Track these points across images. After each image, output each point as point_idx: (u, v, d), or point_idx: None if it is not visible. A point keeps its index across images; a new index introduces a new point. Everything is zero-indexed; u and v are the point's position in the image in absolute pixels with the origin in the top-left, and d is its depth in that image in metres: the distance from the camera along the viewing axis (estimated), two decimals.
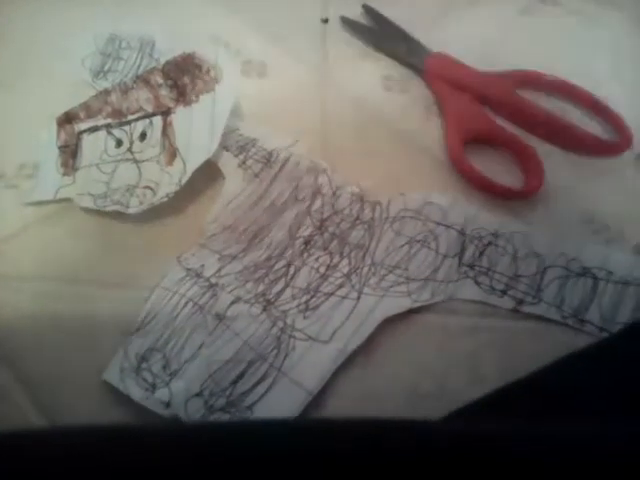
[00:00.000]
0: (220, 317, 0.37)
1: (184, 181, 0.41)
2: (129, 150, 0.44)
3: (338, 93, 0.49)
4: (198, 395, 0.34)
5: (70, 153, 0.45)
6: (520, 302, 0.39)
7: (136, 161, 0.43)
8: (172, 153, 0.42)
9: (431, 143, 0.47)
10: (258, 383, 0.35)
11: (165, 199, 0.41)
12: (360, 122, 0.48)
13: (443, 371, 0.37)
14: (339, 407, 0.36)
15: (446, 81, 0.49)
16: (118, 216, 0.42)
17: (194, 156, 0.42)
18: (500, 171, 0.45)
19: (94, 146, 0.45)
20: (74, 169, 0.44)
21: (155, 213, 0.42)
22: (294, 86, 0.50)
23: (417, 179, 0.45)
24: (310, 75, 0.50)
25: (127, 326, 0.37)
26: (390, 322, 0.38)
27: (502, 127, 0.47)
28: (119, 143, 0.44)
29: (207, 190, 0.43)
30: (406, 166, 0.45)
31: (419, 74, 0.50)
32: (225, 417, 0.33)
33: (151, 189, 0.42)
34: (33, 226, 0.42)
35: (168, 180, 0.41)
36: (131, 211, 0.41)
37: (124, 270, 0.40)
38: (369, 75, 0.51)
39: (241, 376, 0.35)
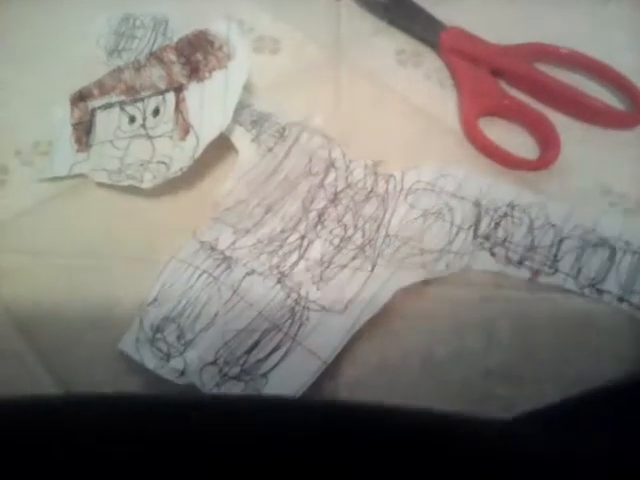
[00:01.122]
0: (234, 288, 0.37)
1: (197, 155, 0.41)
2: (142, 126, 0.44)
3: (351, 69, 0.49)
4: (212, 364, 0.34)
5: (84, 130, 0.45)
6: (537, 273, 0.39)
7: (149, 137, 0.43)
8: (185, 128, 0.42)
9: (445, 117, 0.47)
10: (273, 352, 0.35)
11: (179, 173, 0.41)
12: (374, 97, 0.48)
13: (458, 339, 0.37)
14: (354, 376, 0.36)
15: (461, 55, 0.49)
16: (132, 191, 0.42)
17: (207, 131, 0.42)
18: (516, 143, 0.45)
19: (108, 123, 0.45)
20: (88, 145, 0.44)
21: (169, 188, 0.42)
22: (307, 62, 0.50)
23: (431, 153, 0.44)
24: (323, 51, 0.50)
25: (143, 298, 0.37)
26: (404, 293, 0.38)
27: (518, 100, 0.46)
28: (132, 119, 0.44)
29: (221, 165, 0.43)
30: (420, 140, 0.45)
31: (434, 49, 0.50)
32: (239, 385, 0.33)
33: (165, 164, 0.42)
34: (48, 202, 0.43)
35: (181, 155, 0.41)
36: (145, 185, 0.41)
37: (139, 244, 0.40)
38: (383, 50, 0.50)
39: (255, 345, 0.35)
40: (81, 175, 0.44)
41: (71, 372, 0.36)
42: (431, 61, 0.50)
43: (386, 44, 0.51)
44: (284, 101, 0.46)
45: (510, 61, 0.48)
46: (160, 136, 0.43)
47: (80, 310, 0.38)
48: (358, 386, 0.35)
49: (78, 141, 0.45)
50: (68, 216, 0.42)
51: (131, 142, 0.44)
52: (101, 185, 0.43)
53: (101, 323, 0.37)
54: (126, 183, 0.42)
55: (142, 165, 0.42)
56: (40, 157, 0.45)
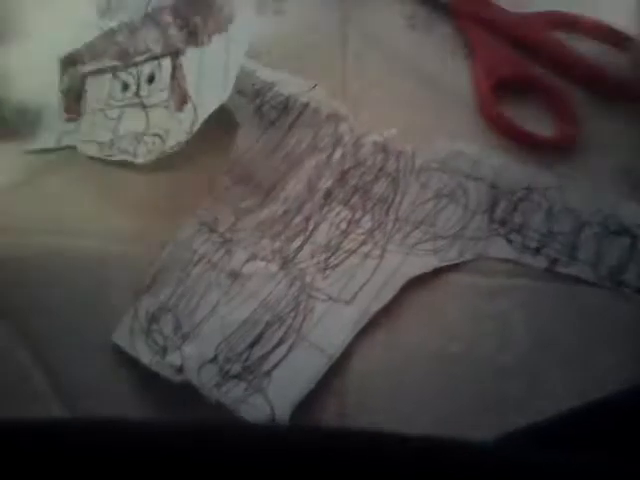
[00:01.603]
0: (235, 275, 0.35)
1: (195, 129, 0.38)
2: (136, 94, 0.41)
3: (359, 32, 0.46)
4: (212, 361, 0.32)
5: (74, 97, 0.42)
6: (554, 261, 0.36)
7: (144, 106, 0.40)
8: (182, 98, 0.39)
9: (459, 87, 0.44)
10: (276, 347, 0.33)
11: (175, 148, 0.38)
12: (382, 64, 0.45)
13: (471, 333, 0.35)
14: (362, 373, 0.34)
15: (475, 21, 0.46)
16: (126, 167, 0.39)
17: (206, 101, 0.39)
18: (532, 119, 0.42)
19: (99, 90, 0.42)
20: (78, 114, 0.41)
21: (165, 163, 0.39)
22: (312, 25, 0.46)
23: (444, 126, 0.42)
24: (329, 13, 0.47)
25: (137, 282, 0.35)
26: (415, 282, 0.35)
27: (535, 71, 0.44)
28: (125, 87, 0.41)
29: (220, 139, 0.40)
30: (432, 112, 0.42)
31: (446, 14, 0.47)
32: (241, 385, 0.31)
33: (160, 137, 0.39)
34: (36, 177, 0.40)
35: (178, 127, 0.39)
36: (139, 160, 0.38)
37: (133, 224, 0.38)
38: (392, 13, 0.47)
39: (258, 339, 0.33)
40: (69, 148, 0.41)
41: (61, 362, 0.34)
42: (444, 26, 0.47)
43: (396, 7, 0.47)
44: (287, 67, 0.42)
45: (527, 29, 0.45)
46: (155, 106, 0.40)
47: (71, 295, 0.35)
48: (366, 384, 0.34)
49: (68, 109, 0.42)
50: (57, 192, 0.39)
51: (124, 112, 0.41)
52: (91, 159, 0.40)
53: (93, 309, 0.35)
54: (118, 158, 0.39)
55: (136, 138, 0.39)
56: (26, 127, 0.42)
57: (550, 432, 0.29)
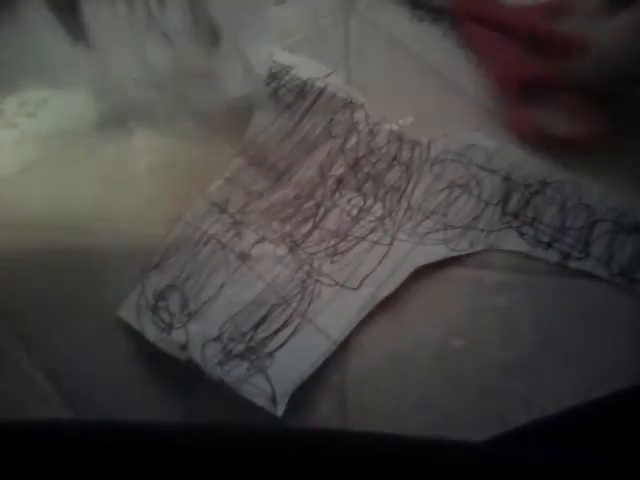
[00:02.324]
0: (243, 257, 0.35)
1: None
2: None
3: (363, 21, 0.45)
4: (216, 339, 0.32)
5: None
6: (566, 256, 0.36)
7: None
8: None
9: (463, 82, 0.43)
10: (280, 329, 0.33)
11: None
12: (388, 55, 0.44)
13: (474, 329, 0.35)
14: (362, 367, 0.34)
15: (476, 20, 0.44)
16: (136, 144, 0.39)
17: None
18: (552, 119, 0.41)
19: None
20: None
21: (178, 143, 0.39)
22: (315, 13, 0.46)
23: (455, 118, 0.41)
24: (332, 2, 0.46)
25: (145, 262, 0.35)
26: (421, 274, 0.35)
27: (550, 69, 0.43)
28: None
29: (234, 120, 0.40)
30: (434, 107, 0.42)
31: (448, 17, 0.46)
32: (244, 364, 0.31)
33: None
34: (34, 168, 0.39)
35: None
36: None
37: (143, 204, 0.38)
38: (397, 3, 0.46)
39: (263, 321, 0.33)
40: (68, 136, 0.40)
41: (57, 358, 0.34)
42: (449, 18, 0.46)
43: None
44: (305, 54, 0.42)
45: (527, 21, 0.44)
46: None
47: (68, 293, 0.35)
48: (367, 378, 0.33)
49: None
50: (59, 180, 0.39)
51: None
52: (90, 152, 0.40)
53: (99, 289, 0.35)
54: None
55: None
56: (26, 118, 0.41)
57: (549, 430, 0.29)
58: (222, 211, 0.36)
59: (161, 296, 0.34)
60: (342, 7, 0.46)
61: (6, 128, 0.41)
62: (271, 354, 0.32)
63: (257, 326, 0.33)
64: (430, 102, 0.42)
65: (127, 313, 0.33)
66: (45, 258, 0.36)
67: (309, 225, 0.36)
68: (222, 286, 0.34)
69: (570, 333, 0.35)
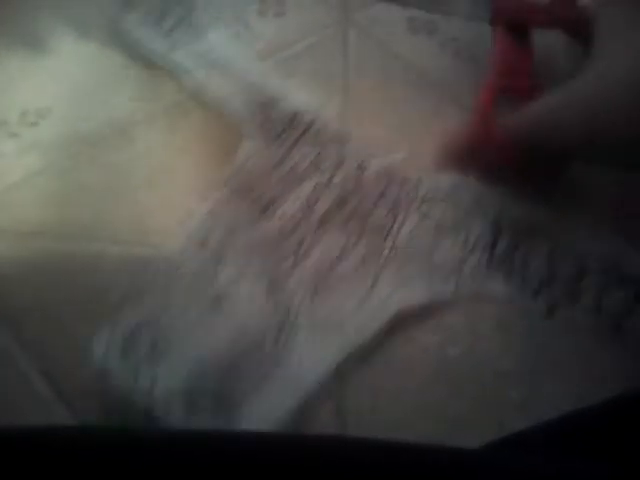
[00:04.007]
0: (219, 295, 0.34)
1: None
2: None
3: (360, 35, 0.45)
4: (183, 391, 0.30)
5: None
6: (554, 305, 0.35)
7: None
8: None
9: (461, 94, 0.42)
10: (251, 377, 0.31)
11: None
12: (385, 69, 0.44)
13: (473, 338, 0.34)
14: (361, 374, 0.33)
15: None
16: (124, 169, 0.38)
17: None
18: None
19: None
20: None
21: (163, 169, 0.38)
22: (314, 26, 0.45)
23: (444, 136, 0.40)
24: (330, 14, 0.46)
25: (129, 284, 0.34)
26: (406, 314, 0.34)
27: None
28: None
29: (221, 149, 0.39)
30: (433, 121, 0.41)
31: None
32: (210, 418, 0.30)
33: None
34: (35, 177, 0.39)
35: None
36: None
37: (130, 227, 0.37)
38: (393, 15, 0.46)
39: (234, 367, 0.31)
40: (70, 150, 0.40)
41: (56, 364, 0.33)
42: (446, 29, 0.45)
43: (397, 9, 0.46)
44: (296, 82, 0.42)
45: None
46: None
47: (68, 301, 0.35)
48: (366, 386, 0.33)
49: None
50: (56, 193, 0.38)
51: None
52: (91, 161, 0.39)
53: (89, 315, 0.34)
54: None
55: None
56: (28, 128, 0.41)
57: (546, 436, 0.28)
58: (201, 244, 0.35)
59: (132, 334, 0.32)
60: (339, 21, 0.46)
61: (8, 137, 0.41)
62: (239, 405, 0.31)
63: (227, 375, 0.31)
64: (421, 118, 0.41)
65: (96, 352, 0.32)
66: (45, 265, 0.36)
67: (289, 262, 0.35)
68: (195, 326, 0.33)
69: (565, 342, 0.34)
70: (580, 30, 0.40)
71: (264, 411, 0.30)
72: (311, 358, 0.32)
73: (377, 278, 0.35)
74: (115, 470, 0.20)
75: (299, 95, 0.40)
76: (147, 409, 0.30)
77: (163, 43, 0.43)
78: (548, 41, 0.43)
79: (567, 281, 0.35)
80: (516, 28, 0.42)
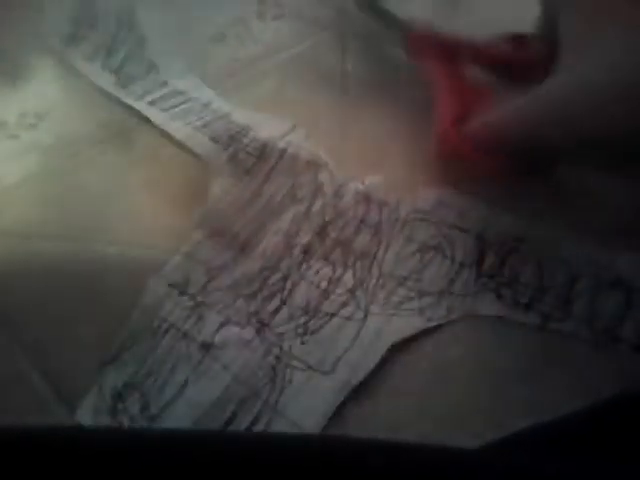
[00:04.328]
0: (207, 346, 0.32)
1: None
2: None
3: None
4: None
5: None
6: (547, 318, 0.34)
7: None
8: None
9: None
10: (250, 427, 0.30)
11: None
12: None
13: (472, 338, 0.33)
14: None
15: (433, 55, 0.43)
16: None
17: None
18: None
19: None
20: None
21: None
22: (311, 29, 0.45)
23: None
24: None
25: (132, 286, 0.34)
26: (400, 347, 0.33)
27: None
28: None
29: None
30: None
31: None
32: None
33: None
34: (34, 179, 0.39)
35: None
36: None
37: (128, 227, 0.37)
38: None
39: (231, 420, 0.30)
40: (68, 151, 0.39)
41: (56, 364, 0.33)
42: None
43: None
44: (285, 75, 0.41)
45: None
46: None
47: (67, 302, 0.34)
48: (366, 387, 0.32)
49: None
50: (55, 195, 0.38)
51: None
52: (90, 163, 0.39)
53: (89, 317, 0.33)
54: None
55: None
56: (27, 130, 0.40)
57: (546, 435, 0.28)
58: (182, 293, 0.34)
59: (120, 396, 0.31)
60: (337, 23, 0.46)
61: (8, 139, 0.41)
62: None
63: (225, 427, 0.30)
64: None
65: (85, 416, 0.31)
66: (45, 267, 0.36)
67: (276, 301, 0.34)
68: (185, 383, 0.31)
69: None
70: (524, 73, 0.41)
71: None
72: (309, 403, 0.31)
73: (367, 310, 0.34)
74: (115, 470, 0.20)
75: (269, 122, 0.39)
76: None
77: (110, 79, 0.42)
78: None
79: (559, 289, 0.35)
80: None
